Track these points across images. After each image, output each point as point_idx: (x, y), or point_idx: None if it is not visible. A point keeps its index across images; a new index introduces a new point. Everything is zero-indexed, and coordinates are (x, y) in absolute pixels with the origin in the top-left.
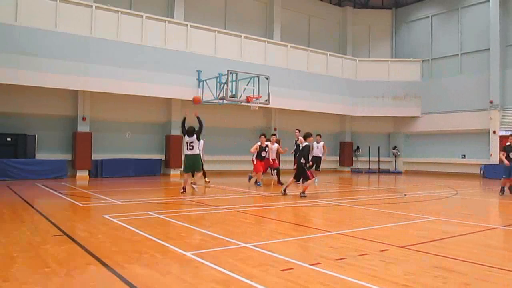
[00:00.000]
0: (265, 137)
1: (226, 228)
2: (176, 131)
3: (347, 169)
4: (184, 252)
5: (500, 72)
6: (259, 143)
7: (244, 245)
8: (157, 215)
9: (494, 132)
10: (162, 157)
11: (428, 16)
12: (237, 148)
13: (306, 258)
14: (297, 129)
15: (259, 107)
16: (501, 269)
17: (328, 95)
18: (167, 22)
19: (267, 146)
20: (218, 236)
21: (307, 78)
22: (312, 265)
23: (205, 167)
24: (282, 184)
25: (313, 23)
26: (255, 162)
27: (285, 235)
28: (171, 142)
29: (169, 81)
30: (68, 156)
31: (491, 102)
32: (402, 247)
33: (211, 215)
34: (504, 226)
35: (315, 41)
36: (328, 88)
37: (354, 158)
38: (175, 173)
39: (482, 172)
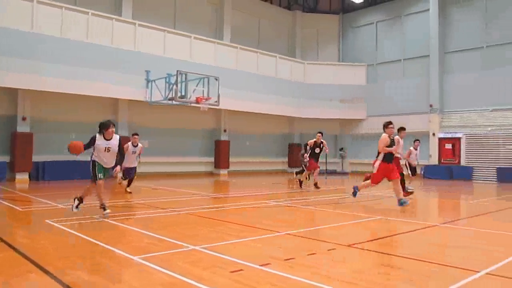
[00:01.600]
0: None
1: (176, 231)
2: (124, 132)
3: (295, 170)
4: (132, 256)
5: (439, 77)
6: (314, 139)
7: (193, 247)
8: (103, 219)
9: (433, 134)
10: None
11: (373, 22)
12: (186, 149)
13: (255, 259)
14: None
15: (209, 108)
16: (441, 264)
17: (277, 97)
18: (114, 20)
19: (322, 143)
20: (167, 239)
21: (256, 80)
22: (262, 265)
23: (154, 169)
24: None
25: (263, 26)
26: (307, 159)
27: (235, 237)
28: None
29: (116, 81)
30: (5, 158)
31: (431, 106)
32: (349, 246)
33: (160, 218)
34: (442, 224)
35: (265, 43)
36: (277, 90)
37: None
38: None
39: (422, 172)
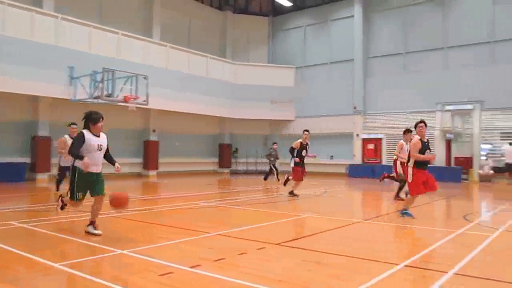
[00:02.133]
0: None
1: (102, 235)
2: (44, 131)
3: (226, 170)
4: (53, 264)
5: (363, 81)
6: (300, 140)
7: (121, 251)
8: (21, 225)
9: (357, 135)
10: (27, 160)
11: (302, 26)
12: (113, 150)
13: (185, 261)
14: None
15: (137, 108)
16: (366, 259)
17: (208, 97)
18: (34, 12)
19: (307, 144)
20: (93, 244)
21: (187, 80)
22: (192, 267)
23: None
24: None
25: (194, 25)
26: (292, 165)
27: (165, 239)
28: (38, 144)
29: (35, 77)
30: None
31: (355, 108)
32: (278, 244)
33: (86, 222)
34: (366, 220)
35: (196, 42)
36: (208, 90)
37: (232, 160)
38: (42, 177)
39: (347, 171)
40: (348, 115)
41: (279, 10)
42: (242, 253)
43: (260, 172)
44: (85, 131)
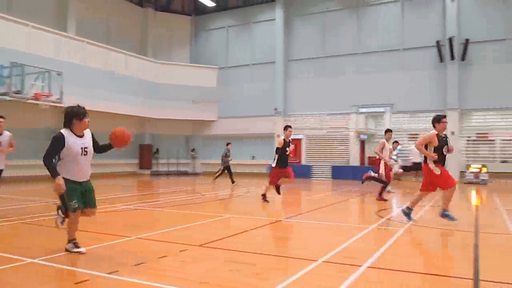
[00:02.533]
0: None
1: (10, 243)
2: None
3: (146, 172)
4: None
5: (283, 83)
6: (283, 137)
7: (31, 260)
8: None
9: (278, 135)
10: None
11: (225, 27)
12: (23, 151)
13: (103, 267)
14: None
15: (50, 106)
16: (285, 256)
17: (127, 96)
18: None
19: (290, 142)
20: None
21: (105, 78)
22: (110, 273)
23: None
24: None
25: (113, 21)
26: (275, 166)
27: (81, 245)
28: None
29: None
30: None
31: (275, 109)
32: (200, 245)
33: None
34: (286, 219)
35: (115, 39)
36: (128, 89)
37: (153, 161)
38: None
39: (268, 171)
40: (269, 116)
41: (201, 10)
42: (163, 256)
43: (181, 174)
44: (65, 131)
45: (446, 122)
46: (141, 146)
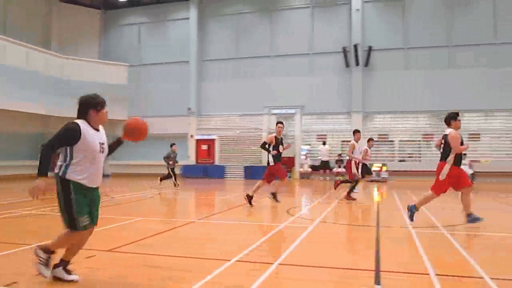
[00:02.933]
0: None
1: None
2: None
3: (51, 173)
4: None
5: (197, 83)
6: (274, 134)
7: None
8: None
9: (191, 136)
10: None
11: (137, 23)
12: None
13: None
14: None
15: None
16: (199, 258)
17: (29, 92)
18: None
19: (282, 138)
20: None
21: (3, 72)
22: (7, 286)
23: None
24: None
25: (11, 9)
26: (272, 164)
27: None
28: None
29: None
30: None
31: (189, 109)
32: (109, 251)
33: None
34: (199, 220)
35: (14, 31)
36: (29, 85)
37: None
38: None
39: (182, 172)
40: (183, 116)
41: (112, 4)
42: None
43: None
44: (82, 123)
45: (460, 119)
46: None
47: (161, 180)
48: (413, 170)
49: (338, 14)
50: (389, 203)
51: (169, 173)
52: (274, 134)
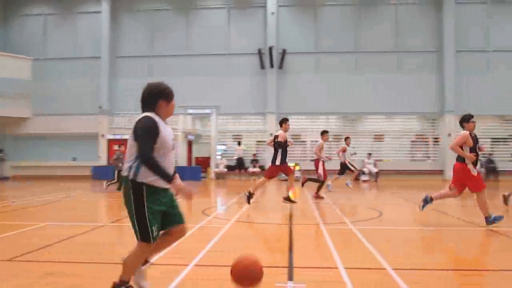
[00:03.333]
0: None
1: None
2: None
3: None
4: None
5: (109, 80)
6: (282, 131)
7: None
8: None
9: (102, 135)
10: None
11: (43, 14)
12: None
13: None
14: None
15: None
16: (108, 263)
17: None
18: None
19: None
20: None
21: None
22: None
23: None
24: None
25: None
26: (278, 164)
27: None
28: None
29: None
30: None
31: (100, 107)
32: (8, 260)
33: None
34: (112, 223)
35: None
36: None
37: None
38: None
39: (92, 173)
40: (93, 115)
41: None
42: None
43: None
44: (155, 116)
45: (475, 122)
46: None
47: (108, 185)
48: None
49: (254, 17)
50: (301, 201)
51: (119, 176)
52: (283, 131)
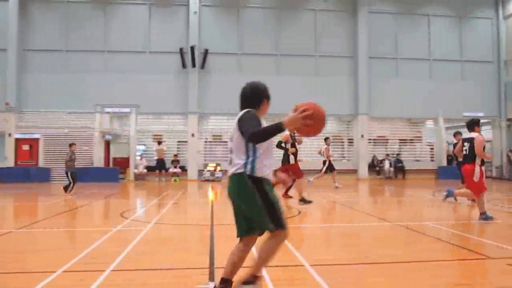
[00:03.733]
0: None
1: None
2: None
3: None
4: None
5: (17, 75)
6: (287, 132)
7: None
8: None
9: (9, 134)
10: None
11: None
12: None
13: None
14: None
15: None
16: (18, 272)
17: None
18: None
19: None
20: None
21: None
22: None
23: None
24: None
25: None
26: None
27: None
28: None
29: None
30: None
31: (7, 104)
32: None
33: None
34: (19, 229)
35: None
36: None
37: None
38: None
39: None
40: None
41: None
42: None
43: None
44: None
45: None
46: None
47: (70, 191)
48: None
49: (176, 15)
50: (223, 202)
51: (74, 178)
52: (289, 132)
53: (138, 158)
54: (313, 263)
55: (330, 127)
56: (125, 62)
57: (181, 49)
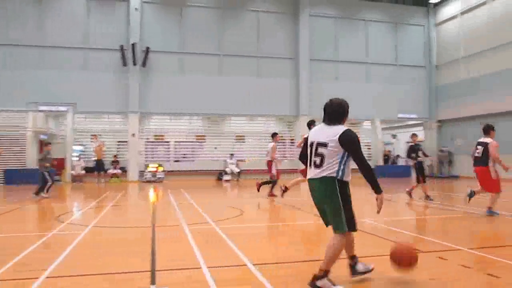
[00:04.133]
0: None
1: None
2: None
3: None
4: None
5: None
6: (306, 135)
7: None
8: None
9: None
10: None
11: None
12: None
13: None
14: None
15: None
16: None
17: None
18: None
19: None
20: None
21: None
22: None
23: None
24: None
25: None
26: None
27: None
28: None
29: None
30: None
31: None
32: None
33: None
34: None
35: None
36: None
37: None
38: None
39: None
40: None
41: None
42: None
43: None
44: None
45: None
46: None
47: (47, 191)
48: (188, 170)
49: (116, 11)
50: (164, 203)
51: (52, 178)
52: (306, 135)
53: (76, 158)
54: (256, 262)
55: (272, 128)
56: (62, 58)
57: (121, 46)
